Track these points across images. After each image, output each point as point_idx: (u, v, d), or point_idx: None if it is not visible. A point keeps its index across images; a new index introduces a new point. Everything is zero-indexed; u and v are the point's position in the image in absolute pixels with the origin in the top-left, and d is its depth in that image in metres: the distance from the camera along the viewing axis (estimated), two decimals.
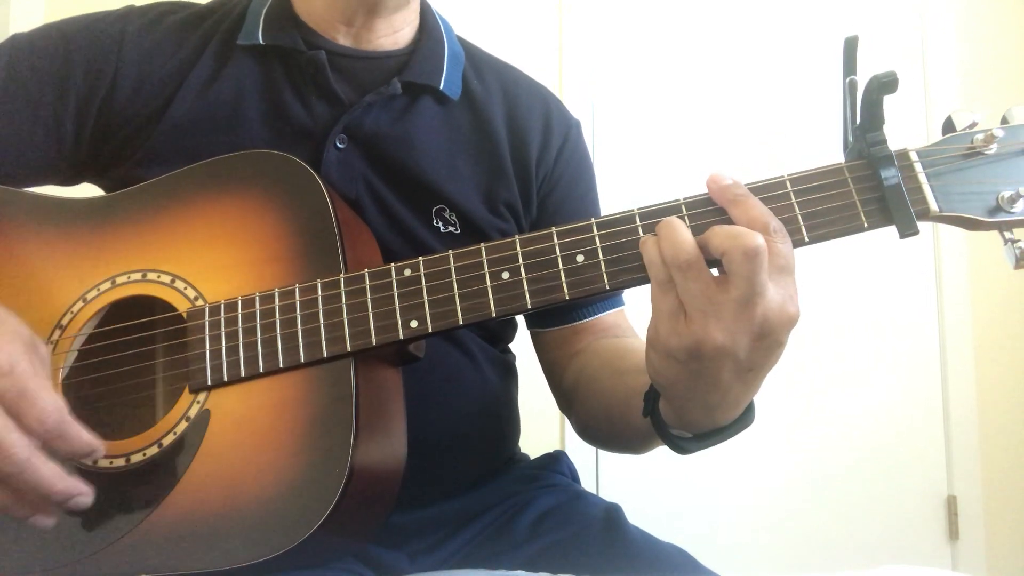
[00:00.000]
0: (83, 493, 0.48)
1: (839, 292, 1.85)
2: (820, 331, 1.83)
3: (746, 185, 0.50)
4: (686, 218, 0.50)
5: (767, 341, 0.47)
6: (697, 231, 0.49)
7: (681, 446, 0.56)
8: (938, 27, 1.98)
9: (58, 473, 0.47)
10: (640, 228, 0.51)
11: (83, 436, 0.47)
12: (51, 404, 0.46)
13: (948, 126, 0.51)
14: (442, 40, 0.75)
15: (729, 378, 0.48)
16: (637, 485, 1.75)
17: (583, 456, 1.72)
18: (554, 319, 0.77)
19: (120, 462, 0.54)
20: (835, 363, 1.86)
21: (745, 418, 0.54)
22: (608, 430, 0.70)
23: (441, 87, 0.72)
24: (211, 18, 0.71)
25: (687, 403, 0.52)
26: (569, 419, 0.78)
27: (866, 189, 0.49)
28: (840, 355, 1.86)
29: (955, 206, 0.48)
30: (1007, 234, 0.49)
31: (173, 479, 0.52)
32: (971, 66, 1.96)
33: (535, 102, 0.78)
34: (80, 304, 0.59)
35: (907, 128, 1.75)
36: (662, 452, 0.62)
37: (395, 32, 0.72)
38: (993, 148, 0.49)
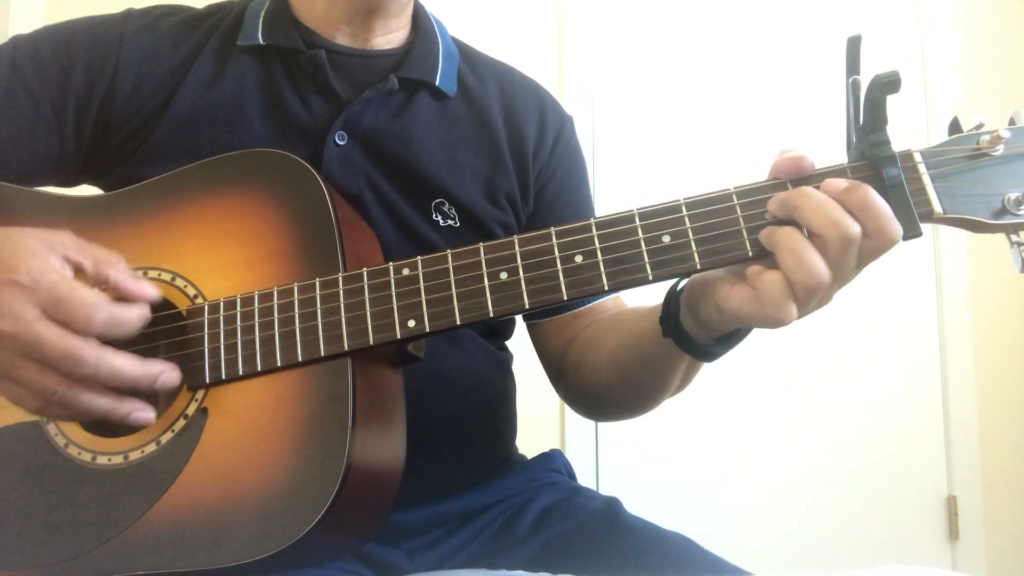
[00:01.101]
0: (166, 370, 0.51)
1: (839, 292, 1.84)
2: (820, 331, 1.82)
3: (746, 187, 0.50)
4: (687, 218, 0.50)
5: None
6: (697, 231, 0.49)
7: (709, 352, 0.57)
8: (938, 27, 1.97)
9: (133, 361, 0.49)
10: (639, 228, 0.50)
11: (135, 312, 0.50)
12: (91, 299, 0.48)
13: (954, 127, 0.51)
14: (436, 39, 0.76)
15: None
16: (637, 484, 1.75)
17: (583, 454, 1.72)
18: (553, 310, 0.77)
19: (118, 459, 0.54)
20: (835, 363, 1.85)
21: None
22: (621, 387, 0.70)
23: (437, 83, 0.72)
24: (209, 20, 0.72)
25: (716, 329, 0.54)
26: (576, 397, 0.77)
27: None
28: (840, 355, 1.85)
29: (960, 208, 0.48)
30: (1013, 237, 0.49)
31: (171, 477, 0.52)
32: (971, 66, 1.94)
33: (530, 97, 0.79)
34: None
35: (907, 128, 1.74)
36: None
37: (391, 34, 0.73)
38: (999, 149, 0.48)
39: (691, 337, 0.56)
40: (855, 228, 0.46)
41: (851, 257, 0.46)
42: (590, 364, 0.72)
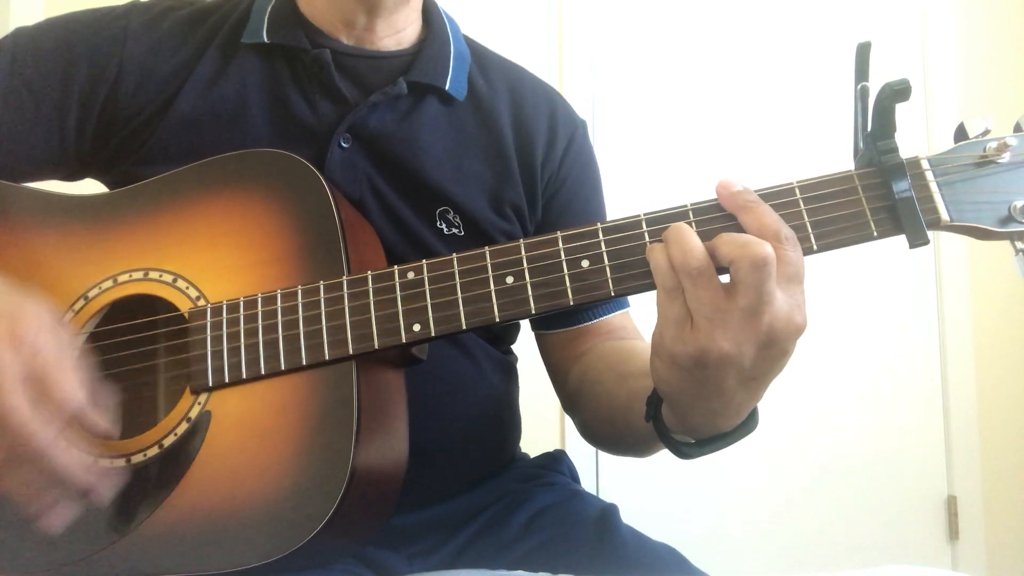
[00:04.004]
0: (104, 485, 0.48)
1: (839, 292, 1.84)
2: (820, 331, 1.82)
3: (755, 191, 0.49)
4: (694, 224, 0.50)
5: (773, 350, 0.47)
6: (705, 236, 0.49)
7: (683, 451, 0.55)
8: (938, 27, 1.97)
9: (81, 461, 0.47)
10: (647, 234, 0.50)
11: (103, 421, 0.48)
12: (75, 387, 0.46)
13: (960, 133, 0.50)
14: (448, 40, 0.74)
15: (733, 386, 0.48)
16: (637, 485, 1.75)
17: (583, 456, 1.71)
18: (559, 321, 0.77)
19: (120, 462, 0.53)
20: (835, 363, 1.85)
21: (748, 424, 0.54)
22: (611, 433, 0.70)
23: (447, 87, 0.71)
24: (215, 15, 0.71)
25: (690, 409, 0.51)
26: (573, 420, 0.78)
27: (876, 198, 0.48)
28: (840, 355, 1.86)
29: (966, 216, 0.48)
30: (1018, 244, 0.49)
31: (174, 480, 0.52)
32: (971, 66, 1.95)
33: (541, 102, 0.77)
34: (82, 302, 0.58)
35: (907, 127, 1.73)
36: (663, 452, 0.62)
37: (397, 32, 0.72)
38: (1006, 157, 0.48)
39: (669, 429, 0.55)
40: (692, 266, 0.46)
41: (701, 288, 0.46)
42: (586, 401, 0.72)
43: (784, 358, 0.48)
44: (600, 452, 1.74)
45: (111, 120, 0.66)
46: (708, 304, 0.46)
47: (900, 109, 0.48)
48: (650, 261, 0.48)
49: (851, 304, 1.87)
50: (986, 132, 0.50)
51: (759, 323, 0.45)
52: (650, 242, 0.50)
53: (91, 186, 0.71)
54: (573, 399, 0.75)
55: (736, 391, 0.49)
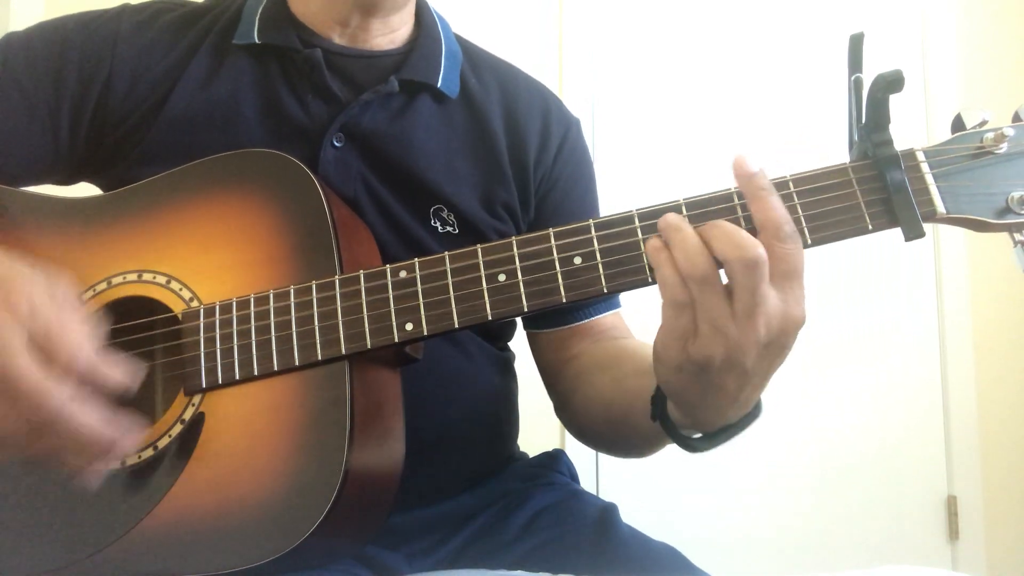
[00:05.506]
0: (127, 434, 0.46)
1: (839, 292, 1.84)
2: (820, 331, 1.81)
3: None
4: (687, 219, 0.49)
5: (772, 348, 0.47)
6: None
7: (693, 446, 0.55)
8: (938, 27, 1.96)
9: (101, 416, 0.45)
10: (639, 229, 0.50)
11: (116, 372, 0.46)
12: (80, 342, 0.45)
13: (957, 124, 0.50)
14: (439, 39, 0.74)
15: (737, 384, 0.48)
16: (637, 485, 1.74)
17: (583, 456, 1.69)
18: (550, 321, 0.76)
19: (115, 464, 0.53)
20: (835, 363, 1.84)
21: (754, 412, 0.54)
22: (609, 434, 0.69)
23: (439, 85, 0.71)
24: (206, 17, 0.71)
25: (697, 407, 0.52)
26: (565, 421, 0.77)
27: (871, 190, 0.48)
28: (840, 355, 1.85)
29: (963, 208, 0.47)
30: (1017, 236, 0.48)
31: (168, 482, 0.52)
32: (971, 65, 1.94)
33: (534, 100, 0.77)
34: None
35: (908, 127, 1.73)
36: (663, 452, 0.62)
37: (391, 32, 0.72)
38: (1003, 147, 0.48)
39: (675, 424, 0.55)
40: (700, 270, 0.45)
41: (708, 296, 0.45)
42: (580, 402, 0.71)
43: (784, 352, 0.48)
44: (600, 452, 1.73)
45: (104, 122, 0.66)
46: (714, 310, 0.45)
47: (899, 104, 0.48)
48: (656, 271, 0.47)
49: (850, 303, 1.86)
50: (984, 123, 0.49)
51: (756, 324, 0.45)
52: (644, 238, 0.49)
53: (86, 190, 0.71)
54: (566, 401, 0.75)
55: (741, 389, 0.49)
